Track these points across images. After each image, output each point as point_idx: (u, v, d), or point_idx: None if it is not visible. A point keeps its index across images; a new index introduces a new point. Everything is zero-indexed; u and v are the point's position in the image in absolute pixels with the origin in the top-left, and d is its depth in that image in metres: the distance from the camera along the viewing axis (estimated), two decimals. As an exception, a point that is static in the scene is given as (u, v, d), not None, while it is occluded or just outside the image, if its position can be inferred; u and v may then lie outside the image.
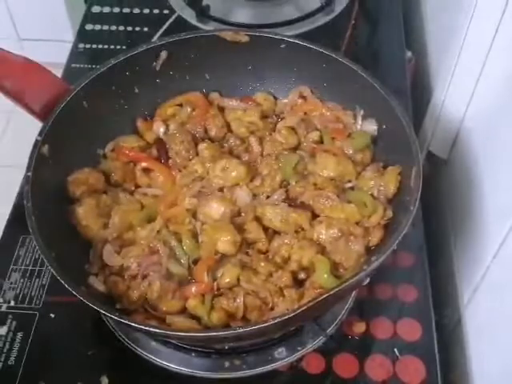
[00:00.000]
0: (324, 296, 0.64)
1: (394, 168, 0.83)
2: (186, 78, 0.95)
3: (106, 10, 1.32)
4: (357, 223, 0.81)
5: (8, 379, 0.81)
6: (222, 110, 0.96)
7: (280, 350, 0.82)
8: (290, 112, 0.95)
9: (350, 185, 0.86)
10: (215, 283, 0.77)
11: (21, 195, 0.76)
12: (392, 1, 1.32)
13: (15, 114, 2.02)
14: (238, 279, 0.77)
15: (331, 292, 0.64)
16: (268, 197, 0.86)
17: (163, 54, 0.93)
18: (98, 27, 1.29)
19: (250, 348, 0.82)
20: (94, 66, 0.95)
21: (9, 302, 0.89)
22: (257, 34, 0.93)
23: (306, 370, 0.82)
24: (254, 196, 0.86)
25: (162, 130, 0.93)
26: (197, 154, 0.91)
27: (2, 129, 2.14)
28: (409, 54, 1.22)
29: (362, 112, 0.91)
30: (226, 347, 0.81)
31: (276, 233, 0.83)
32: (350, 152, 0.89)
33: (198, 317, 0.76)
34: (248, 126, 0.93)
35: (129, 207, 0.84)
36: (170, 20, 1.28)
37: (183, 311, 0.77)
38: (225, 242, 0.79)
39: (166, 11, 1.31)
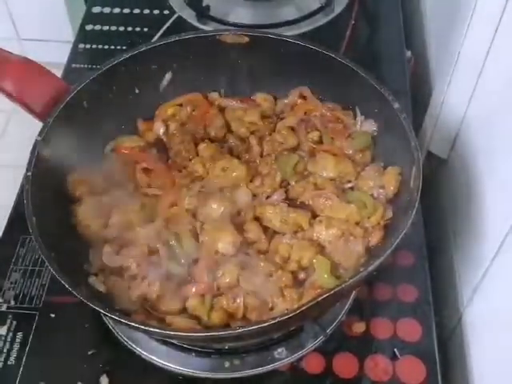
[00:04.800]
0: (324, 296, 0.64)
1: (394, 168, 0.83)
2: (185, 78, 0.95)
3: (106, 10, 1.32)
4: (357, 223, 0.81)
5: (8, 379, 0.81)
6: (222, 109, 0.96)
7: (280, 350, 0.82)
8: (289, 112, 0.95)
9: (349, 185, 0.86)
10: (215, 283, 0.77)
11: (21, 195, 0.76)
12: (392, 1, 1.32)
13: (15, 114, 2.02)
14: (238, 279, 0.78)
15: (331, 292, 0.64)
16: (268, 197, 0.86)
17: (167, 76, 0.94)
18: (98, 27, 1.29)
19: (249, 348, 0.82)
20: (94, 66, 0.95)
21: (9, 302, 0.89)
22: (257, 34, 0.93)
23: (305, 370, 0.82)
24: (254, 196, 0.86)
25: (161, 130, 0.93)
26: (197, 154, 0.91)
27: (1, 129, 2.14)
28: (409, 53, 1.22)
29: (361, 113, 0.91)
30: (226, 347, 0.81)
31: (276, 233, 0.83)
32: (350, 152, 0.89)
33: (198, 317, 0.75)
34: (248, 126, 0.93)
35: (128, 207, 0.84)
36: (170, 20, 1.28)
37: (183, 311, 0.76)
38: (225, 242, 0.79)
39: (166, 11, 1.30)
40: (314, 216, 0.83)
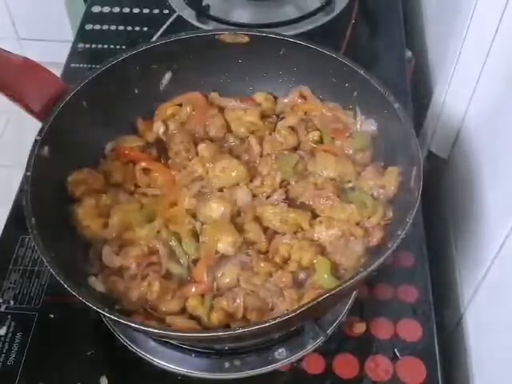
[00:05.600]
0: (324, 296, 0.64)
1: (394, 168, 0.83)
2: (185, 78, 0.95)
3: (106, 9, 1.32)
4: (357, 223, 0.81)
5: (7, 379, 0.81)
6: (221, 110, 0.96)
7: (280, 350, 0.82)
8: (289, 112, 0.95)
9: (350, 185, 0.86)
10: (215, 283, 0.77)
11: (20, 195, 0.76)
12: (392, 1, 1.32)
13: (15, 114, 2.01)
14: (238, 279, 0.77)
15: (331, 292, 0.64)
16: (268, 197, 0.86)
17: (167, 76, 0.94)
18: (97, 27, 1.28)
19: (250, 348, 0.82)
20: (93, 66, 0.95)
21: (8, 303, 0.88)
22: (257, 34, 0.92)
23: (306, 370, 0.82)
24: (254, 196, 0.86)
25: (161, 130, 0.93)
26: (196, 154, 0.90)
27: (1, 129, 2.14)
28: (409, 53, 1.22)
29: (361, 113, 0.91)
30: (226, 348, 0.81)
31: (276, 233, 0.82)
32: (350, 152, 0.89)
33: (198, 317, 0.75)
34: (248, 125, 0.93)
35: (128, 207, 0.84)
36: (170, 20, 1.28)
37: (183, 311, 0.76)
38: (225, 242, 0.79)
39: (165, 11, 1.30)
40: (314, 216, 0.83)
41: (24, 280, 0.91)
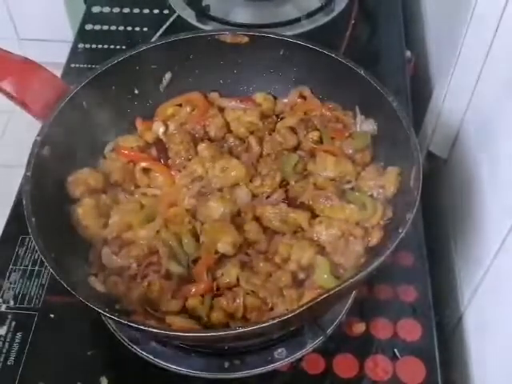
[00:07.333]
0: (323, 296, 0.64)
1: (394, 168, 0.83)
2: (185, 78, 0.95)
3: (106, 9, 1.32)
4: (356, 223, 0.81)
5: (7, 379, 0.81)
6: (221, 110, 0.96)
7: (280, 350, 0.82)
8: (289, 112, 0.95)
9: (349, 185, 0.86)
10: (215, 283, 0.77)
11: (21, 195, 0.76)
12: (392, 1, 1.32)
13: (15, 114, 2.02)
14: (238, 279, 0.77)
15: (331, 292, 0.64)
16: (268, 197, 0.86)
17: (167, 76, 0.94)
18: (97, 27, 1.29)
19: (249, 348, 0.82)
20: (93, 66, 0.95)
21: (8, 302, 0.89)
22: (257, 34, 0.93)
23: (305, 370, 0.82)
24: (254, 196, 0.86)
25: (161, 130, 0.93)
26: (196, 154, 0.90)
27: (1, 129, 2.14)
28: (409, 53, 1.22)
29: (361, 113, 0.91)
30: (226, 347, 0.81)
31: (276, 233, 0.83)
32: (350, 152, 0.89)
33: (198, 317, 0.75)
34: (248, 126, 0.93)
35: (128, 207, 0.84)
36: (170, 20, 1.28)
37: (183, 311, 0.76)
38: (225, 242, 0.79)
39: (165, 11, 1.31)
40: (314, 216, 0.83)
41: (24, 280, 0.91)
